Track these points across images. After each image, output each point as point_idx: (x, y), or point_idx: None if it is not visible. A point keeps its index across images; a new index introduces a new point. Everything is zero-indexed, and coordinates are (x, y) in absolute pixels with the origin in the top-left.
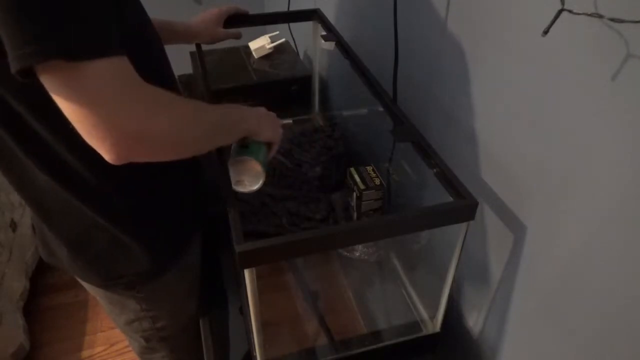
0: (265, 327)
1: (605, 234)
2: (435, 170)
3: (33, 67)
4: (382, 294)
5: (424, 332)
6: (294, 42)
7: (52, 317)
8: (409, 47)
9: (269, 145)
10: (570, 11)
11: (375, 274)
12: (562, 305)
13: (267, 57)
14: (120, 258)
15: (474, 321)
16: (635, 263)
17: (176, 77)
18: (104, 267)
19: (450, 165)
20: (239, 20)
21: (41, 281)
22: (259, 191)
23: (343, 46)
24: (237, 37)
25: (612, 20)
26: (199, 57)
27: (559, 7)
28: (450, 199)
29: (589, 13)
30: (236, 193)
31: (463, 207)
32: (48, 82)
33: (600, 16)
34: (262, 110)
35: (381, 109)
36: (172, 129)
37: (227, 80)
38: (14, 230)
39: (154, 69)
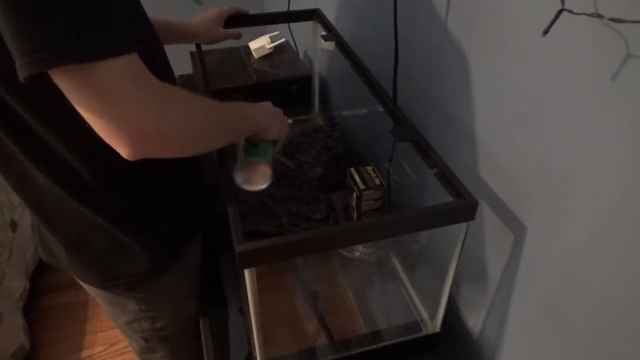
0: (265, 327)
1: (605, 234)
2: (435, 170)
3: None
4: (382, 294)
5: (424, 332)
6: (294, 42)
7: (52, 317)
8: (409, 47)
9: (274, 142)
10: (570, 11)
11: (375, 274)
12: (562, 305)
13: (267, 57)
14: (120, 259)
15: (474, 321)
16: (635, 263)
17: (176, 77)
18: (104, 267)
19: (450, 165)
20: (239, 20)
21: (41, 281)
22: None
23: (343, 46)
24: (237, 37)
25: (612, 20)
26: (199, 57)
27: (559, 7)
28: (450, 199)
29: (589, 13)
30: (236, 193)
31: (463, 207)
32: (62, 84)
33: (600, 16)
34: (270, 107)
35: (381, 109)
36: (184, 125)
37: (227, 80)
38: (14, 230)
39: (154, 69)
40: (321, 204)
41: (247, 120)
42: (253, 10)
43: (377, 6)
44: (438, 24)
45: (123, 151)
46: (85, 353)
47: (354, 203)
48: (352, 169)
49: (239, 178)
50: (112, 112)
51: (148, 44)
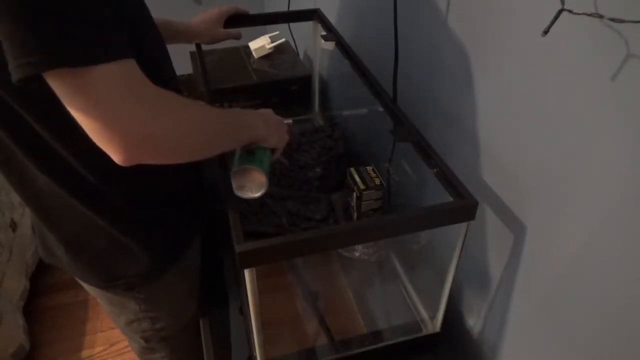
0: (265, 327)
1: (605, 234)
2: (435, 170)
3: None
4: (382, 294)
5: (424, 332)
6: (294, 42)
7: (52, 317)
8: (408, 47)
9: (272, 150)
10: (570, 11)
11: (375, 274)
12: (562, 305)
13: (267, 57)
14: (120, 259)
15: (474, 321)
16: (635, 263)
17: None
18: (104, 267)
19: (450, 165)
20: (239, 20)
21: (41, 281)
22: None
23: (343, 46)
24: (238, 37)
25: (612, 20)
26: (199, 57)
27: (559, 7)
28: (450, 199)
29: (589, 13)
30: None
31: (463, 207)
32: (55, 87)
33: (600, 16)
34: (269, 115)
35: (381, 109)
36: (178, 132)
37: (227, 80)
38: (14, 230)
39: (155, 66)
40: (321, 204)
41: (245, 129)
42: (253, 10)
43: (377, 6)
44: (438, 24)
45: (115, 156)
46: (85, 353)
47: (354, 203)
48: (352, 169)
49: (233, 184)
50: (105, 117)
51: (143, 29)
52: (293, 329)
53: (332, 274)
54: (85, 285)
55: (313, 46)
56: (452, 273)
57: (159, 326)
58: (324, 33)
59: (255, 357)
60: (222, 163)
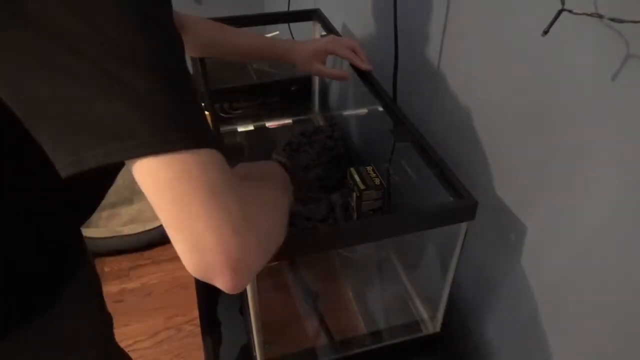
0: (265, 327)
1: (605, 234)
2: (435, 170)
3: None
4: (382, 294)
5: (424, 332)
6: None
7: None
8: (409, 47)
9: None
10: (570, 11)
11: (375, 274)
12: (562, 305)
13: None
14: None
15: (474, 321)
16: (635, 263)
17: None
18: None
19: (450, 165)
20: (239, 20)
21: None
22: None
23: None
24: (344, 78)
25: (612, 20)
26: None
27: (559, 7)
28: (450, 199)
29: (589, 13)
30: None
31: (463, 207)
32: (152, 174)
33: (600, 16)
34: (280, 172)
35: (381, 109)
36: (271, 224)
37: (227, 80)
38: None
39: None
40: (321, 204)
41: (283, 197)
42: (253, 10)
43: (377, 6)
44: (438, 23)
45: (226, 274)
46: None
47: (354, 203)
48: (352, 169)
49: None
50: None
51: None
52: (293, 329)
53: (332, 274)
54: None
55: None
56: (452, 273)
57: None
58: (324, 33)
59: (255, 357)
60: None
